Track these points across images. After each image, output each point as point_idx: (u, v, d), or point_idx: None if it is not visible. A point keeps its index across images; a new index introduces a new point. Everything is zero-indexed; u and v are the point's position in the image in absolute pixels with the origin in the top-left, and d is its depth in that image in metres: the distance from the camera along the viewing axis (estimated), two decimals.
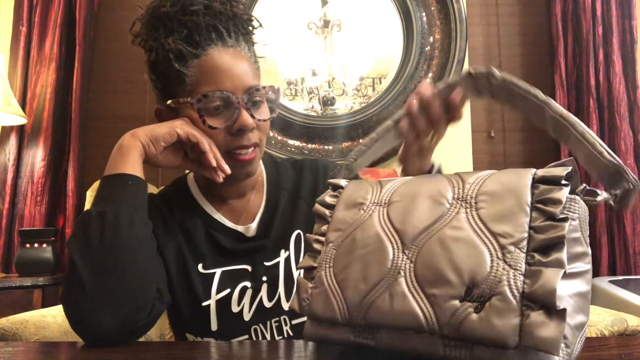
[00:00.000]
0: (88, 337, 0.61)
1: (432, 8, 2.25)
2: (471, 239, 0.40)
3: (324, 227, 0.51)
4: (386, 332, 0.43)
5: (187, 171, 0.88)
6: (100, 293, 0.60)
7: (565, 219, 0.38)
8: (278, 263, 0.78)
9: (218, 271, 0.77)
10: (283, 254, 0.79)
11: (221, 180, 0.73)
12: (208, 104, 0.72)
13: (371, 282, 0.43)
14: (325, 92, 2.28)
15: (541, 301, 0.36)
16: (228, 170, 0.73)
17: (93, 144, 2.26)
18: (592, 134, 0.46)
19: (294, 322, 0.76)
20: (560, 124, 0.49)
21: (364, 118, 2.21)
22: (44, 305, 1.77)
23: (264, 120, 0.76)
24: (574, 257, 0.40)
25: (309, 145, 2.23)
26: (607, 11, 2.18)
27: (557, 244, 0.38)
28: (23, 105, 2.16)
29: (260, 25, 0.83)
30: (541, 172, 0.42)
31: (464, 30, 2.18)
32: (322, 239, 0.50)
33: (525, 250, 0.38)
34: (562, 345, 0.37)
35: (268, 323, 0.76)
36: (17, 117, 2.04)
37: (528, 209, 0.40)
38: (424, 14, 2.25)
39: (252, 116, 0.74)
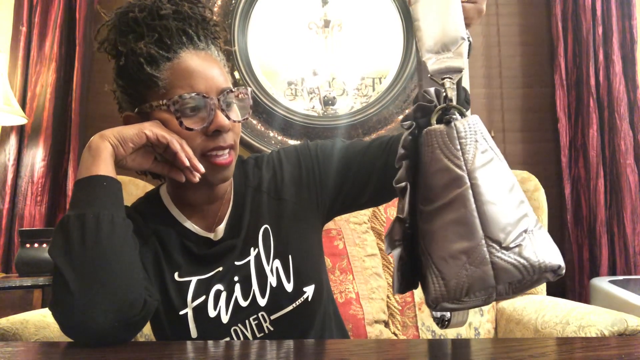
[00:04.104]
0: (83, 339, 0.61)
1: None
2: None
3: None
4: None
5: (161, 182, 0.88)
6: (89, 294, 0.60)
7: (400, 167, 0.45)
8: (249, 262, 0.79)
9: (194, 279, 0.77)
10: (253, 252, 0.80)
11: (197, 180, 0.73)
12: (184, 106, 0.72)
13: None
14: (325, 92, 2.28)
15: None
16: (202, 169, 0.73)
17: None
18: (421, 32, 0.50)
19: (273, 317, 0.76)
20: None
21: (364, 118, 2.21)
22: (44, 305, 1.77)
23: (239, 122, 0.77)
24: (445, 187, 0.41)
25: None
26: (607, 11, 2.18)
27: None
28: (23, 105, 2.16)
29: (225, 31, 0.84)
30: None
31: None
32: None
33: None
34: (435, 277, 0.41)
35: (247, 322, 0.76)
36: (17, 117, 2.04)
37: None
38: None
39: (228, 117, 0.74)
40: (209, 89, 0.74)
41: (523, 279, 0.40)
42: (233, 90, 0.76)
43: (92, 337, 0.60)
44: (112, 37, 0.76)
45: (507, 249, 0.40)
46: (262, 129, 2.21)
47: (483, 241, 0.40)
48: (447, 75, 0.46)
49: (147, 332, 1.45)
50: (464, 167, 0.41)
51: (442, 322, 0.54)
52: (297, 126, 2.21)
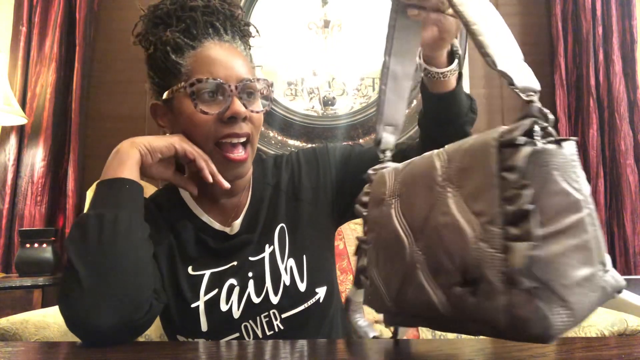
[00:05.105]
0: (87, 337, 0.61)
1: None
2: (457, 222, 0.39)
3: (365, 228, 0.52)
4: (418, 318, 0.45)
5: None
6: (98, 292, 0.60)
7: (525, 186, 0.36)
8: (263, 258, 0.79)
9: (207, 273, 0.78)
10: (268, 249, 0.80)
11: (227, 186, 0.75)
12: (201, 90, 0.73)
13: (399, 278, 0.44)
14: (325, 92, 2.28)
15: (517, 280, 0.35)
16: (226, 184, 0.75)
17: (93, 144, 2.26)
18: (477, 35, 0.44)
19: (284, 315, 0.77)
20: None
21: (364, 118, 2.21)
22: (44, 305, 1.77)
23: (257, 112, 0.78)
24: (562, 211, 0.37)
25: (309, 146, 2.24)
26: (607, 11, 2.18)
27: (527, 213, 0.36)
28: (23, 105, 2.16)
29: (258, 32, 0.85)
30: (506, 132, 0.38)
31: (464, 30, 2.18)
32: (366, 239, 0.51)
33: (500, 226, 0.36)
34: (560, 308, 0.36)
35: (258, 319, 0.76)
36: (17, 117, 2.04)
37: (497, 180, 0.37)
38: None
39: (245, 106, 0.75)
40: (229, 77, 0.75)
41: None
42: (253, 80, 0.77)
43: (95, 335, 0.60)
44: (144, 29, 0.79)
45: (607, 272, 0.39)
46: (262, 129, 2.21)
47: (599, 266, 0.38)
48: (531, 93, 0.42)
49: (147, 331, 1.45)
50: (581, 191, 0.39)
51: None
52: (297, 126, 2.22)
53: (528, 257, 0.35)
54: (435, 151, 0.45)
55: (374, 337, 0.56)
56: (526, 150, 0.37)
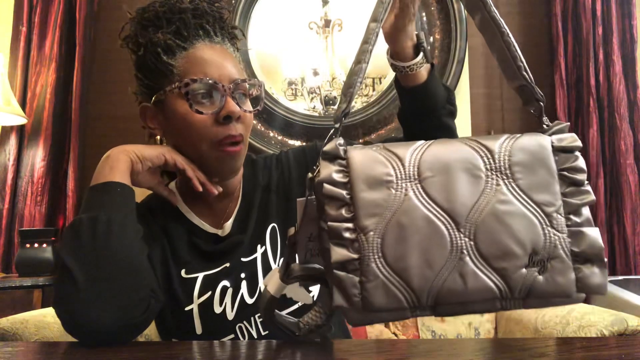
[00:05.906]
0: (85, 337, 0.61)
1: (432, 8, 2.25)
2: (522, 211, 0.44)
3: (344, 212, 0.44)
4: (448, 305, 0.45)
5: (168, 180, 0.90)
6: (95, 292, 0.60)
7: (588, 184, 0.46)
8: (255, 259, 0.80)
9: (200, 275, 0.78)
10: (260, 249, 0.80)
11: (216, 192, 0.78)
12: (195, 90, 0.74)
13: (437, 267, 0.43)
14: (326, 92, 2.28)
15: (589, 257, 0.44)
16: (216, 191, 0.77)
17: (93, 144, 2.26)
18: (515, 48, 0.51)
19: None
20: (490, 27, 0.53)
21: (364, 118, 2.21)
22: (44, 305, 1.77)
23: (249, 112, 0.79)
24: None
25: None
26: (607, 11, 2.18)
27: (590, 205, 0.46)
28: (23, 105, 2.16)
29: (244, 35, 0.86)
30: (556, 141, 0.46)
31: (464, 30, 2.18)
32: (351, 225, 0.44)
33: (563, 215, 0.45)
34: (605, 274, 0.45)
35: (252, 319, 0.76)
36: (17, 117, 2.04)
37: (557, 177, 0.45)
38: (424, 13, 2.25)
39: (239, 105, 0.76)
40: (222, 77, 0.76)
41: None
42: (245, 80, 0.78)
43: (94, 335, 0.60)
44: (133, 31, 0.79)
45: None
46: (262, 129, 2.21)
47: None
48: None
49: (147, 332, 1.45)
50: None
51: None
52: (297, 126, 2.22)
53: (599, 239, 0.44)
54: (459, 140, 0.47)
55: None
56: (582, 158, 0.46)
